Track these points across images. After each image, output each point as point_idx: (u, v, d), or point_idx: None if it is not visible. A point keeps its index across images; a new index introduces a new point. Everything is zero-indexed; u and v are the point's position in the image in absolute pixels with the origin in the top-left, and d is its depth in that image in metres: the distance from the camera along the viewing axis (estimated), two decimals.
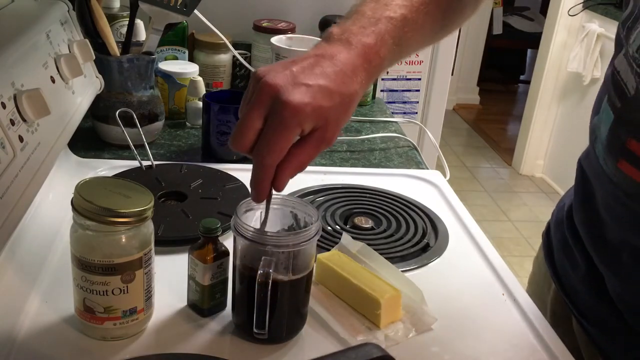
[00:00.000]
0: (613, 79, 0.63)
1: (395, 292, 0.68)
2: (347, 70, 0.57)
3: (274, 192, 0.62)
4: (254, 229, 0.60)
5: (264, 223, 0.62)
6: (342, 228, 0.86)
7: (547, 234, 0.83)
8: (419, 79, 1.73)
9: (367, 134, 1.24)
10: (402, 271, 0.75)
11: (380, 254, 0.76)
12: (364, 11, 0.62)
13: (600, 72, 3.06)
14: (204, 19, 1.23)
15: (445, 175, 1.07)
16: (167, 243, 0.77)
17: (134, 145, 0.95)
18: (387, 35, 0.61)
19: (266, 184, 0.57)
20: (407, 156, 1.17)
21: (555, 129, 3.52)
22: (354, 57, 0.58)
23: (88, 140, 1.08)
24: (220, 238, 0.66)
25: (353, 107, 0.59)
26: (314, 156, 0.58)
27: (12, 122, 0.64)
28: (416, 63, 1.70)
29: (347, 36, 0.60)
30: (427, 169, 1.12)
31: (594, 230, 0.69)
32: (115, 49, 1.03)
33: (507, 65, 5.19)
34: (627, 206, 0.60)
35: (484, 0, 0.75)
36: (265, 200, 0.60)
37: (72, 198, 0.58)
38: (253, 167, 0.57)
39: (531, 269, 0.90)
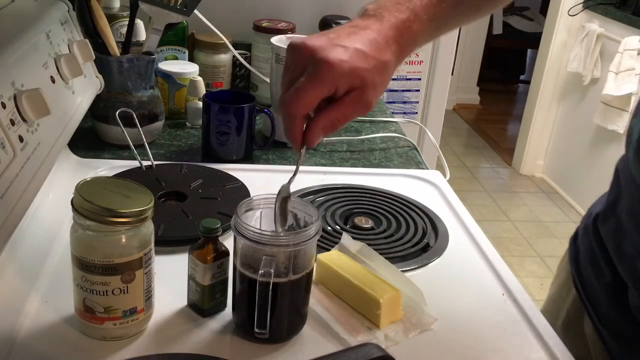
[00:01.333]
0: None
1: (395, 292, 0.68)
2: (380, 40, 0.59)
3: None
4: (255, 229, 0.60)
5: (292, 176, 0.63)
6: (342, 228, 0.86)
7: (574, 240, 0.81)
8: (419, 79, 1.73)
9: (367, 134, 1.24)
10: (402, 271, 0.75)
11: (380, 254, 0.76)
12: None
13: (600, 72, 3.06)
14: (204, 19, 1.23)
15: (445, 175, 1.07)
16: (167, 243, 0.77)
17: (134, 145, 0.95)
18: (421, 11, 0.62)
19: (296, 136, 0.59)
20: (407, 156, 1.17)
21: (555, 129, 3.53)
22: (386, 29, 0.60)
23: (88, 140, 1.08)
24: (220, 238, 0.66)
25: (388, 76, 0.61)
26: (350, 118, 0.59)
27: (12, 122, 0.64)
28: (416, 63, 1.70)
29: (381, 12, 0.61)
30: (427, 169, 1.12)
31: (616, 239, 0.68)
32: (115, 49, 1.03)
33: (507, 65, 5.18)
34: None
35: None
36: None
37: (72, 198, 0.58)
38: (282, 118, 0.59)
39: (555, 272, 0.88)
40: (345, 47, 0.57)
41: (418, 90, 1.76)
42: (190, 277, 0.67)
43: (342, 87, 0.57)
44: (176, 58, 1.29)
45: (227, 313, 0.68)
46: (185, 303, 0.69)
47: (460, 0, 0.66)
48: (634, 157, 0.62)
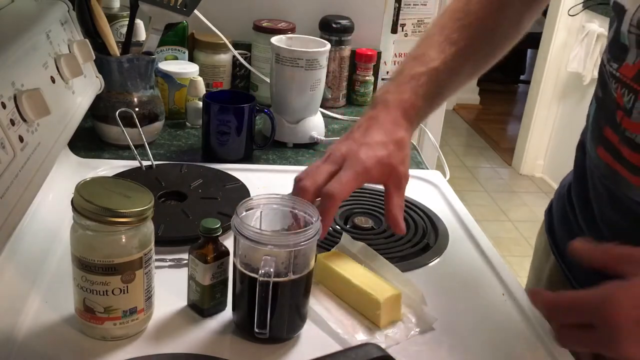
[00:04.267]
0: (599, 70, 0.71)
1: (395, 292, 0.68)
2: (390, 124, 0.73)
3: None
4: (255, 228, 0.60)
5: None
6: (342, 228, 0.86)
7: (549, 209, 0.89)
8: None
9: None
10: (402, 271, 0.75)
11: (380, 254, 0.76)
12: (403, 70, 0.77)
13: None
14: (204, 19, 1.23)
15: (445, 175, 1.07)
16: (167, 243, 0.77)
17: (134, 145, 0.95)
18: (419, 89, 0.74)
19: (332, 216, 0.69)
20: None
21: (555, 129, 3.53)
22: (393, 112, 0.74)
23: (88, 140, 1.08)
24: (220, 238, 0.66)
25: (407, 148, 0.74)
26: (402, 196, 0.73)
27: (12, 122, 0.64)
28: None
29: (386, 97, 0.75)
30: (427, 169, 1.12)
31: (582, 205, 0.77)
32: (115, 49, 1.03)
33: (507, 65, 5.17)
34: (604, 185, 0.69)
35: (517, 38, 0.82)
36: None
37: (72, 198, 0.58)
38: (322, 201, 0.68)
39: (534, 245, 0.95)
40: (368, 143, 0.70)
41: None
42: (191, 277, 0.67)
43: (376, 175, 0.70)
44: (176, 58, 1.29)
45: (227, 313, 0.68)
46: (185, 303, 0.69)
47: (456, 71, 0.77)
48: (590, 140, 0.72)
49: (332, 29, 1.33)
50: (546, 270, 0.86)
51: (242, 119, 1.04)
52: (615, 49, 0.64)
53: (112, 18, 1.24)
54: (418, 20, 1.66)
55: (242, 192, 0.92)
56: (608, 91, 0.66)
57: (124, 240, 0.59)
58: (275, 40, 1.11)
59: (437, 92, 0.76)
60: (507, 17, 0.78)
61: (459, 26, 0.77)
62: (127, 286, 0.60)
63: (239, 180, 0.96)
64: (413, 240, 0.85)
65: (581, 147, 0.79)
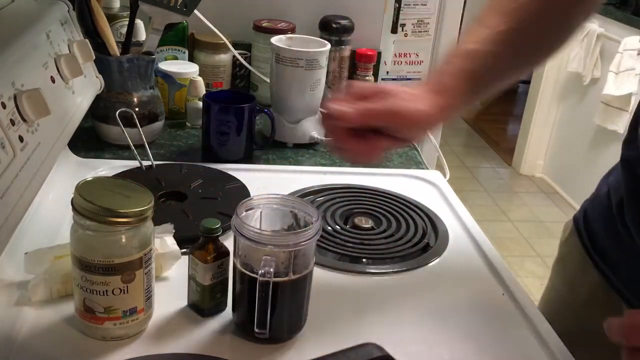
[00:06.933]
0: None
1: None
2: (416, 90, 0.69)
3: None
4: (255, 228, 0.60)
5: None
6: (342, 228, 0.86)
7: (585, 219, 0.82)
8: (419, 79, 1.73)
9: None
10: (402, 271, 0.75)
11: (381, 254, 0.76)
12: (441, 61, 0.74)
13: (600, 72, 3.06)
14: (204, 19, 1.23)
15: (445, 175, 1.07)
16: None
17: (134, 145, 0.95)
18: (453, 67, 0.70)
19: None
20: (407, 156, 1.17)
21: (555, 129, 3.53)
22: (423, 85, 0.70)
23: (88, 140, 1.08)
24: (220, 238, 0.66)
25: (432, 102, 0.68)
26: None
27: (12, 122, 0.64)
28: (416, 63, 1.70)
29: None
30: (427, 169, 1.12)
31: (638, 226, 0.70)
32: (115, 49, 1.03)
33: None
34: None
35: (574, 34, 0.78)
36: None
37: (72, 198, 0.58)
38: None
39: (557, 254, 0.88)
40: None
41: None
42: (191, 277, 0.67)
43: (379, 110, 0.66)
44: (176, 58, 1.29)
45: (227, 313, 0.68)
46: (185, 303, 0.69)
47: (497, 55, 0.71)
48: None
49: (332, 29, 1.33)
50: (585, 285, 0.81)
51: (242, 119, 1.04)
52: None
53: (112, 18, 1.24)
54: (418, 20, 1.66)
55: (242, 192, 0.92)
56: None
57: (123, 240, 0.59)
58: (275, 40, 1.11)
59: (473, 70, 0.71)
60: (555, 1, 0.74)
61: (497, 11, 0.73)
62: (127, 286, 0.60)
63: (239, 180, 0.96)
64: (413, 240, 0.85)
65: (628, 167, 0.74)
